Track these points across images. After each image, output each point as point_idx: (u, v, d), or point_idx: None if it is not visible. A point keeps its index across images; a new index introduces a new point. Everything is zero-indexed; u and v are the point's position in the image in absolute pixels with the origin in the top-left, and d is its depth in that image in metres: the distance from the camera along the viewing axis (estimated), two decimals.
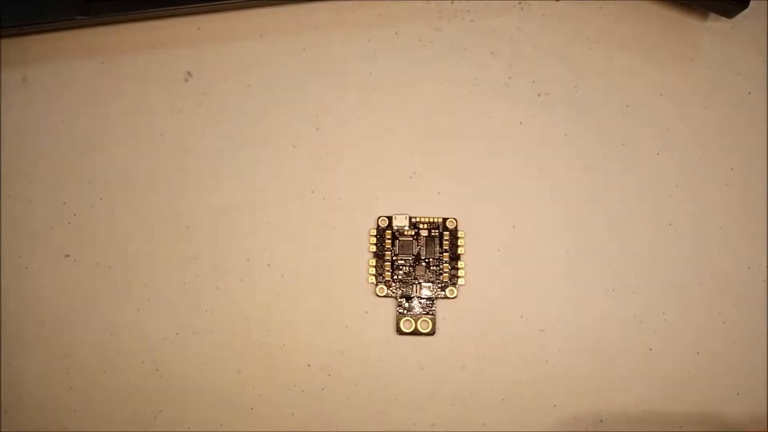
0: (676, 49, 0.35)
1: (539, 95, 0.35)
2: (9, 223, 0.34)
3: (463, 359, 0.33)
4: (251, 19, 0.35)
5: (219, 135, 0.34)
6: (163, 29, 0.35)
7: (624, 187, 0.34)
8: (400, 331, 0.33)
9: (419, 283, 0.33)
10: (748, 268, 0.33)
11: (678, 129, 0.34)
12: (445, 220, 0.34)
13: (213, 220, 0.34)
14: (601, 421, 0.33)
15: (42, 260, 0.34)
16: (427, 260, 0.34)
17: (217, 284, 0.33)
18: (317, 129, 0.34)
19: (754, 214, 0.34)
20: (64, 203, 0.34)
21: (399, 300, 0.33)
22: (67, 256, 0.34)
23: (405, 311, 0.33)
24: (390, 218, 0.34)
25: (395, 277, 0.33)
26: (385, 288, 0.33)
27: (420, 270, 0.34)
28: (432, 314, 0.33)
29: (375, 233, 0.34)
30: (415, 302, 0.33)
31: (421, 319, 0.33)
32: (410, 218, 0.34)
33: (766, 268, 0.33)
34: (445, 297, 0.33)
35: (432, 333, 0.33)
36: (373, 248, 0.34)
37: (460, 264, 0.33)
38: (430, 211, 0.34)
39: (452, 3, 0.35)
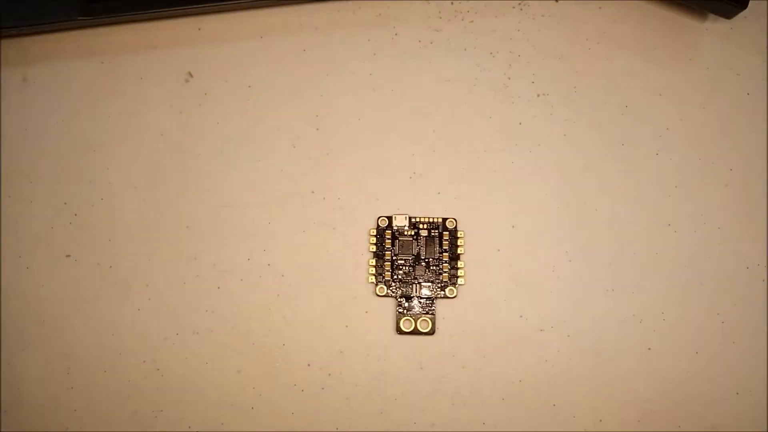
0: (675, 50, 0.35)
1: (539, 95, 0.35)
2: (9, 223, 0.34)
3: (462, 359, 0.33)
4: (251, 20, 0.35)
5: (219, 135, 0.34)
6: (163, 29, 0.35)
7: (623, 187, 0.34)
8: (400, 331, 0.33)
9: (419, 283, 0.33)
10: (747, 268, 0.33)
11: (677, 129, 0.34)
12: (444, 220, 0.34)
13: (213, 220, 0.34)
14: (601, 420, 0.33)
15: (42, 260, 0.34)
16: (426, 260, 0.34)
17: (218, 284, 0.33)
18: (317, 129, 0.34)
19: (754, 215, 0.34)
20: (65, 203, 0.34)
21: (399, 300, 0.33)
22: (67, 256, 0.34)
23: (405, 311, 0.33)
24: (390, 218, 0.34)
25: (395, 276, 0.33)
26: (385, 288, 0.33)
27: (420, 270, 0.34)
28: (432, 314, 0.33)
29: (375, 233, 0.34)
30: (415, 302, 0.33)
31: (420, 319, 0.33)
32: (410, 218, 0.34)
33: (765, 268, 0.33)
34: (445, 297, 0.33)
35: (432, 333, 0.33)
36: (373, 248, 0.34)
37: (459, 264, 0.33)
38: (429, 211, 0.34)
39: (452, 3, 0.35)
